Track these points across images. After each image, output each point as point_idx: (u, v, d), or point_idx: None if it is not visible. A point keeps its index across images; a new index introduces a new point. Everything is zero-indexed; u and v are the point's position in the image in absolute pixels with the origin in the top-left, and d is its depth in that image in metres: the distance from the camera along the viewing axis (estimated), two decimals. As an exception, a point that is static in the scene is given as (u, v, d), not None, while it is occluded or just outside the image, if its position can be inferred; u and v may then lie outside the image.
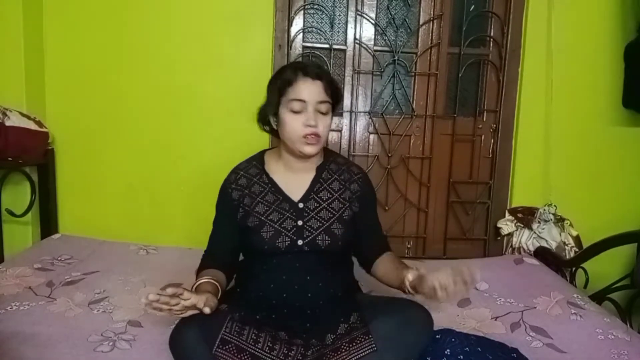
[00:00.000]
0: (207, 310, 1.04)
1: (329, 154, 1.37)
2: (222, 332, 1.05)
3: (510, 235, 2.14)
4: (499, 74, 2.16)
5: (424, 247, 2.25)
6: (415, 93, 2.18)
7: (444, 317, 1.38)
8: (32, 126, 1.83)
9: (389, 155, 2.16)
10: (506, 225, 2.13)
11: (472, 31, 2.14)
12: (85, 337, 1.21)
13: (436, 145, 2.19)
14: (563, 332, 1.34)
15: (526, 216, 2.10)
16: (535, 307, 1.49)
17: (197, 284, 1.17)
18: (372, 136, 2.19)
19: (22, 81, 1.88)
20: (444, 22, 2.12)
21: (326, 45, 2.12)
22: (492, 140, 2.20)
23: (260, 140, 1.81)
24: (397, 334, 1.05)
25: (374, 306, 1.14)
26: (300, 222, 1.23)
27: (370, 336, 1.04)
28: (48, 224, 1.99)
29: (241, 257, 1.34)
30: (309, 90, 1.20)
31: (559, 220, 2.06)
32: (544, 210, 2.05)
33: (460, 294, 1.16)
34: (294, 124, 1.20)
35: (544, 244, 2.02)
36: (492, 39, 2.17)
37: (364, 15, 2.12)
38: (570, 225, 2.08)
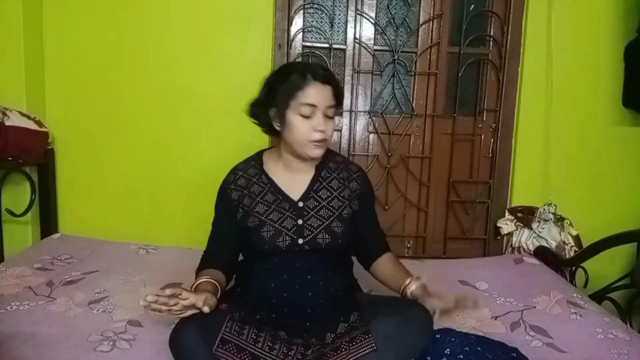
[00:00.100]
0: (206, 309, 1.04)
1: (327, 153, 1.36)
2: (222, 331, 1.05)
3: (510, 234, 2.14)
4: (499, 74, 2.16)
5: (424, 247, 2.25)
6: (415, 92, 2.18)
7: (443, 317, 1.38)
8: (32, 126, 1.83)
9: (389, 154, 2.16)
10: (506, 224, 2.13)
11: (472, 30, 2.14)
12: (85, 337, 1.21)
13: (436, 144, 2.19)
14: (563, 332, 1.34)
15: (526, 216, 2.10)
16: (535, 307, 1.49)
17: (197, 283, 1.17)
18: (372, 136, 2.19)
19: (22, 81, 1.88)
20: (443, 21, 2.12)
21: (326, 45, 2.12)
22: (492, 140, 2.20)
23: (260, 140, 1.81)
24: (397, 334, 1.05)
25: (374, 306, 1.15)
26: (300, 221, 1.23)
27: (370, 335, 1.04)
28: (48, 224, 1.99)
29: (241, 257, 1.34)
30: (319, 94, 1.18)
31: (559, 220, 2.06)
32: (544, 209, 2.06)
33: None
34: (303, 129, 1.19)
35: (544, 244, 2.02)
36: (492, 39, 2.17)
37: (364, 14, 2.12)
38: (570, 224, 2.08)
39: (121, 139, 2.06)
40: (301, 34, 2.12)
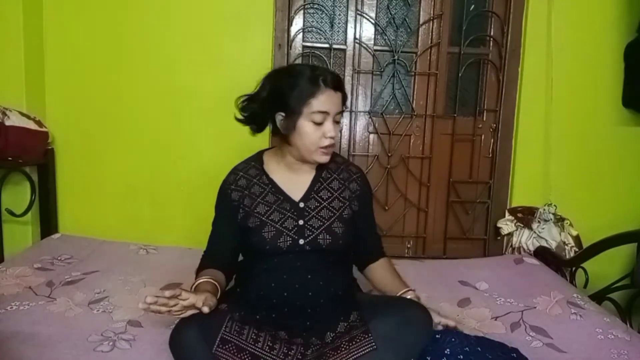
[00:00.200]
0: (205, 309, 1.03)
1: None
2: (222, 331, 1.05)
3: (510, 235, 2.14)
4: (499, 74, 2.15)
5: (424, 247, 2.25)
6: (415, 93, 2.18)
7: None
8: (32, 126, 1.83)
9: (389, 155, 2.16)
10: (506, 225, 2.13)
11: (472, 31, 2.14)
12: (85, 337, 1.21)
13: (436, 145, 2.19)
14: (563, 332, 1.34)
15: (526, 216, 2.10)
16: (535, 307, 1.49)
17: (196, 283, 1.17)
18: (372, 136, 2.19)
19: (22, 81, 1.88)
20: (443, 21, 2.12)
21: (326, 45, 2.12)
22: (492, 140, 2.20)
23: (260, 140, 1.81)
24: (397, 334, 1.05)
25: (373, 305, 1.15)
26: (301, 222, 1.23)
27: (370, 335, 1.04)
28: (48, 224, 1.99)
29: (240, 257, 1.34)
30: (331, 102, 1.18)
31: (559, 220, 2.06)
32: (544, 210, 2.05)
33: None
34: (313, 136, 1.19)
35: (544, 244, 2.02)
36: (492, 39, 2.17)
37: (364, 14, 2.12)
38: (570, 225, 2.08)
39: (121, 139, 2.06)
40: (301, 34, 2.12)
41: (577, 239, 2.05)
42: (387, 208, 2.19)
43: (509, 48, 2.12)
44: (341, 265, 1.30)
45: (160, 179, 2.09)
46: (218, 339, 1.03)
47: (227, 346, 1.03)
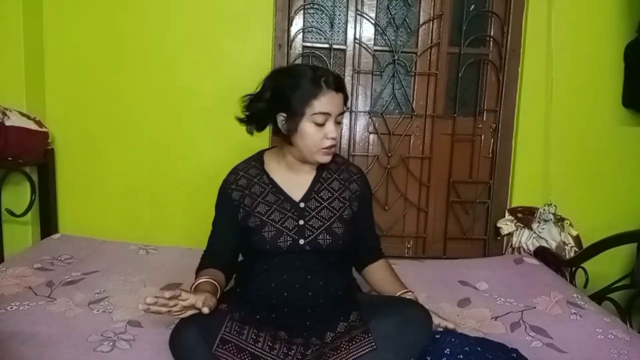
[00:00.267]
0: (205, 310, 1.03)
1: None
2: (222, 331, 1.05)
3: (510, 235, 2.14)
4: (499, 74, 2.15)
5: (424, 247, 2.25)
6: (415, 93, 2.18)
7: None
8: (32, 126, 1.83)
9: (389, 155, 2.16)
10: (506, 225, 2.13)
11: (472, 31, 2.14)
12: (85, 337, 1.21)
13: (436, 145, 2.19)
14: (563, 332, 1.34)
15: (526, 216, 2.10)
16: (535, 307, 1.49)
17: (196, 283, 1.17)
18: (372, 136, 2.19)
19: (22, 81, 1.88)
20: (443, 21, 2.12)
21: (326, 45, 2.12)
22: (492, 140, 2.20)
23: (260, 140, 1.81)
24: (397, 334, 1.05)
25: (373, 305, 1.15)
26: (301, 222, 1.23)
27: (370, 335, 1.04)
28: (48, 224, 1.99)
29: (240, 257, 1.34)
30: (333, 103, 1.18)
31: (559, 220, 2.06)
32: (544, 210, 2.05)
33: None
34: (315, 137, 1.19)
35: (544, 244, 2.02)
36: (492, 39, 2.17)
37: (364, 15, 2.12)
38: (570, 225, 2.08)
39: (121, 139, 2.06)
40: (301, 34, 2.12)
41: (577, 239, 2.05)
42: (387, 208, 2.19)
43: (509, 48, 2.12)
44: (341, 266, 1.30)
45: (160, 179, 2.09)
46: (218, 339, 1.04)
47: (227, 346, 1.03)
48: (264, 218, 1.23)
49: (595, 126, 2.16)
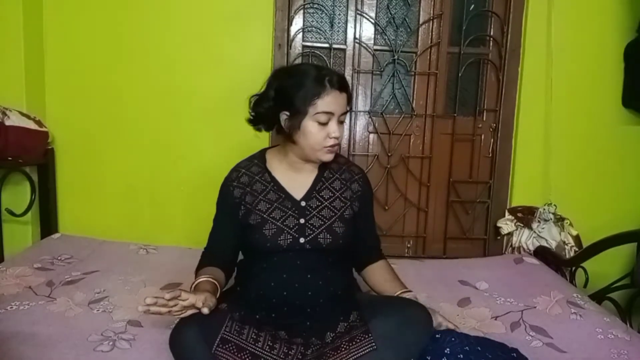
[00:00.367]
0: (205, 310, 1.03)
1: None
2: (222, 331, 1.05)
3: (510, 234, 2.14)
4: (499, 74, 2.15)
5: (424, 247, 2.25)
6: (415, 92, 2.18)
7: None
8: (32, 126, 1.83)
9: (389, 154, 2.16)
10: (506, 224, 2.13)
11: (472, 30, 2.14)
12: (85, 337, 1.21)
13: (436, 144, 2.19)
14: (563, 332, 1.34)
15: (526, 216, 2.10)
16: (535, 307, 1.49)
17: (196, 282, 1.17)
18: (372, 135, 2.19)
19: (22, 81, 1.88)
20: (443, 21, 2.12)
21: (326, 45, 2.12)
22: (492, 140, 2.20)
23: (261, 139, 1.81)
24: (397, 333, 1.05)
25: (373, 305, 1.15)
26: (302, 220, 1.23)
27: (370, 335, 1.04)
28: (48, 224, 1.99)
29: (240, 257, 1.34)
30: (336, 103, 1.19)
31: (559, 220, 2.06)
32: (544, 209, 2.05)
33: None
34: (318, 136, 1.19)
35: (544, 244, 2.02)
36: (492, 39, 2.17)
37: (364, 14, 2.12)
38: (570, 224, 2.08)
39: (121, 139, 2.06)
40: (301, 34, 2.12)
41: (577, 239, 2.05)
42: (387, 208, 2.19)
43: (509, 48, 2.12)
44: (341, 265, 1.30)
45: (160, 179, 2.09)
46: (218, 339, 1.03)
47: (227, 346, 1.03)
48: (264, 216, 1.23)
49: (595, 126, 2.15)
